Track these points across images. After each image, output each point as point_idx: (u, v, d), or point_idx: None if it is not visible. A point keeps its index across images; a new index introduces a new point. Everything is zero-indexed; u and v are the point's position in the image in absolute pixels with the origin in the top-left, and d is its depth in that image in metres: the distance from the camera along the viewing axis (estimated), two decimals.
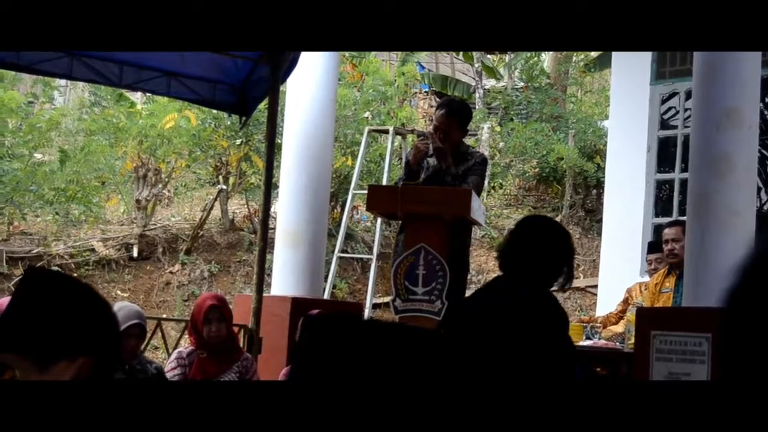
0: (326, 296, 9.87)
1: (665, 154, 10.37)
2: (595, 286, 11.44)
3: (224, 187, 12.96)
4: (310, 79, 8.25)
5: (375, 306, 11.57)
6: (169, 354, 7.03)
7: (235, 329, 6.82)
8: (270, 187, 7.35)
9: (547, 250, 4.32)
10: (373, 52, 17.78)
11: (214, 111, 11.10)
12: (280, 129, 8.78)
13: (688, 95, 8.88)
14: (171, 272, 12.14)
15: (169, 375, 6.13)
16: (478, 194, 6.97)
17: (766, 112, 9.72)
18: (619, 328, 8.06)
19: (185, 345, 6.60)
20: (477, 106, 18.11)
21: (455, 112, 7.09)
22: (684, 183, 8.21)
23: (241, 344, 6.96)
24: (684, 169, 8.98)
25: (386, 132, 11.97)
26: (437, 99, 18.93)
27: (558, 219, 15.57)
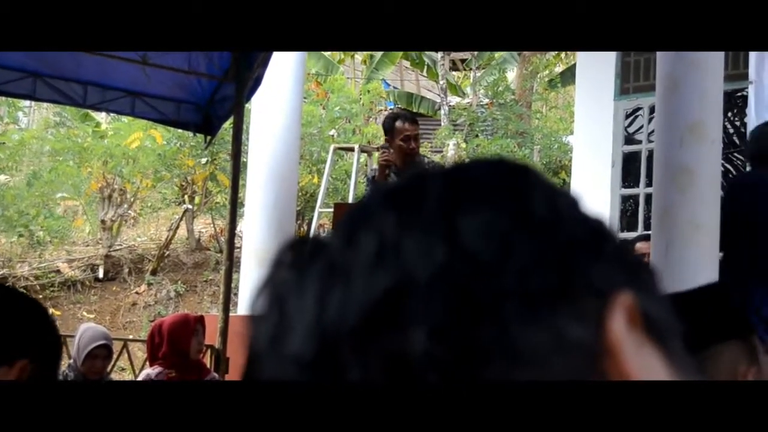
0: None
1: (630, 169, 10.42)
2: None
3: (190, 206, 12.91)
4: (275, 98, 8.25)
5: None
6: (135, 376, 6.98)
7: None
8: (236, 205, 7.32)
9: None
10: (339, 70, 17.81)
11: (180, 130, 11.06)
12: (246, 147, 8.76)
13: (652, 110, 8.93)
14: (137, 293, 12.07)
15: None
16: None
17: (729, 127, 9.80)
18: None
19: (153, 367, 6.55)
20: (442, 123, 18.15)
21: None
22: (649, 197, 8.25)
23: (208, 364, 6.91)
24: (648, 184, 9.02)
25: (352, 150, 11.96)
26: None
27: None
